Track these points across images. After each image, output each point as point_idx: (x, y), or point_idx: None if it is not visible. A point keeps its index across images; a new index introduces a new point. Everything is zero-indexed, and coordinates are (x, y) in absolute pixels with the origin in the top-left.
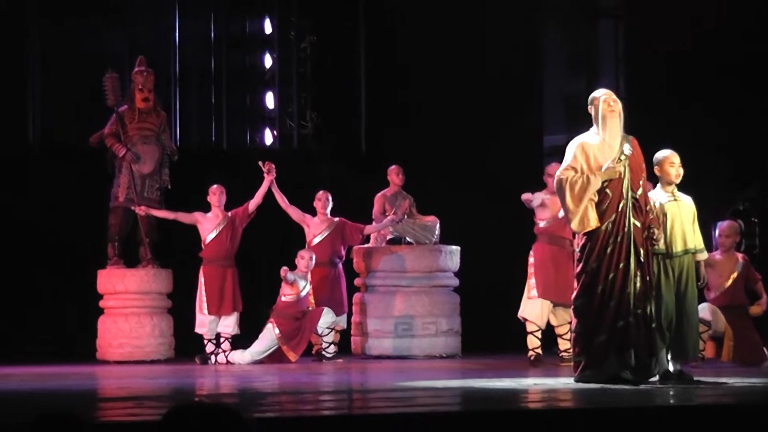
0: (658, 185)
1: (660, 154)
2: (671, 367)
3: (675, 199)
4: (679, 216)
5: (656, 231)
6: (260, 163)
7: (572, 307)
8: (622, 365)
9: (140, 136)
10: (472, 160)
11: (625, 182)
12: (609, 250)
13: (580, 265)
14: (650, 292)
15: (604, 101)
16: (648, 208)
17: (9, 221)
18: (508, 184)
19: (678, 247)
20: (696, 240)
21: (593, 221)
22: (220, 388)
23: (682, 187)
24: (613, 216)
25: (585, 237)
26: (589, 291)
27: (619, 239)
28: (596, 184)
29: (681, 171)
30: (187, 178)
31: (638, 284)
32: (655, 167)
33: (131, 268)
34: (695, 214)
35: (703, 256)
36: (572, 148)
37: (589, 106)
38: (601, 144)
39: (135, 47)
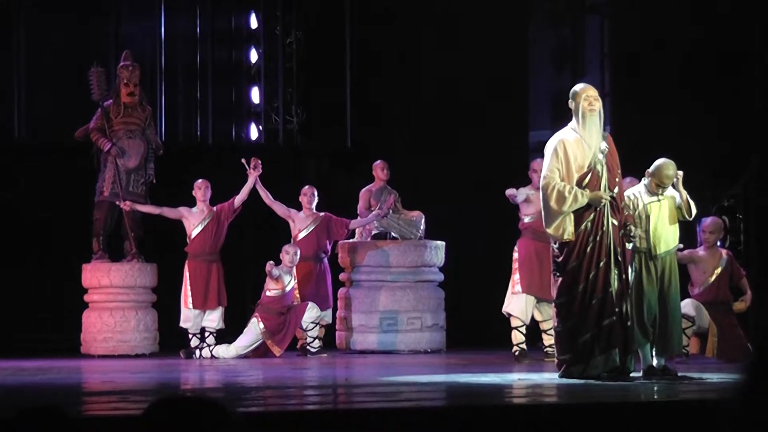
0: (644, 183)
1: (664, 166)
2: (655, 363)
3: (659, 200)
4: (662, 217)
5: (632, 228)
6: (243, 161)
7: (553, 306)
8: (608, 364)
9: (125, 131)
10: (458, 155)
11: (603, 181)
12: (589, 248)
13: (560, 263)
14: (626, 290)
15: (585, 99)
16: (623, 205)
17: None
18: (493, 179)
19: (661, 249)
20: (676, 235)
21: (568, 234)
22: (205, 382)
23: None
24: (592, 215)
25: None
26: (572, 290)
27: (598, 238)
28: (582, 202)
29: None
30: (173, 173)
31: (616, 283)
32: (653, 173)
33: (116, 263)
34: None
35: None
36: (551, 147)
37: (570, 101)
38: (579, 141)
39: (121, 42)
